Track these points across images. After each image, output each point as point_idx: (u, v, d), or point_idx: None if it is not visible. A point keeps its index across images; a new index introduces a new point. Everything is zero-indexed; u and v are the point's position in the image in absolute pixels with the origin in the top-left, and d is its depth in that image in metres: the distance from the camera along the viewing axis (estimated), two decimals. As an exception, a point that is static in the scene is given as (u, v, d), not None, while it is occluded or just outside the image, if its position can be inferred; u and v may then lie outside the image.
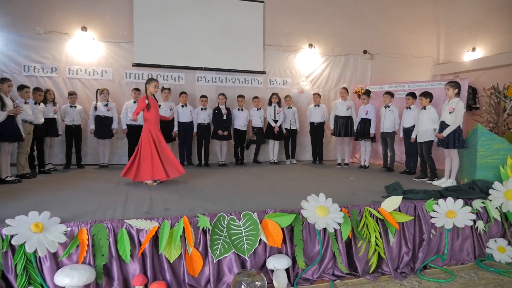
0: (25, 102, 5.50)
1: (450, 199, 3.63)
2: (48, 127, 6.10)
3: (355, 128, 7.02)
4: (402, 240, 3.64)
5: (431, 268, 3.63)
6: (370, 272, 3.44)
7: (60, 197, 4.05)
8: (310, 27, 8.44)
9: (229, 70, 7.98)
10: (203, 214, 3.18)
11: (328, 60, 8.65)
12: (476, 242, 3.88)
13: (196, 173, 6.12)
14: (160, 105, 5.09)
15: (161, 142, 4.91)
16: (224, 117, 7.14)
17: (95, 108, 6.59)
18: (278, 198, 4.08)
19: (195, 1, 7.73)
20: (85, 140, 6.97)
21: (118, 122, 6.81)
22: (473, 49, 8.62)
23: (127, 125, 6.74)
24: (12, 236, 2.65)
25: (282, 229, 3.26)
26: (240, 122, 7.33)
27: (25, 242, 2.63)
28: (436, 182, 5.08)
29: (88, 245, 2.85)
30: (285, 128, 7.57)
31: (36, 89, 5.92)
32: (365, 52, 8.78)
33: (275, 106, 7.43)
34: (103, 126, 6.62)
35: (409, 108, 6.08)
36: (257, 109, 7.41)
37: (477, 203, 3.89)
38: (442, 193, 4.05)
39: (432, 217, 3.63)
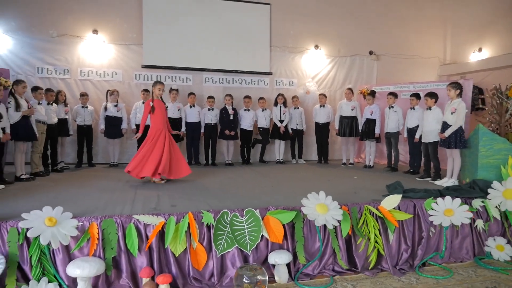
0: (39, 103, 5.70)
1: (448, 197, 3.71)
2: (60, 127, 6.30)
3: (360, 128, 7.09)
4: (402, 237, 3.73)
5: (430, 266, 3.72)
6: (370, 268, 3.53)
7: (72, 194, 4.23)
8: (316, 28, 8.54)
9: (236, 71, 8.12)
10: (208, 211, 3.32)
11: (334, 61, 8.73)
12: (476, 241, 3.95)
13: (203, 172, 6.27)
14: (167, 107, 5.23)
15: (167, 143, 5.02)
16: (231, 117, 7.28)
17: (105, 108, 6.78)
18: (281, 196, 4.21)
19: (203, 4, 7.89)
20: (96, 139, 7.17)
21: (127, 122, 6.99)
22: (480, 50, 8.62)
23: (136, 125, 6.92)
24: (27, 229, 2.82)
25: (284, 225, 3.38)
26: (246, 122, 7.46)
27: (39, 235, 2.79)
28: (438, 182, 5.14)
29: (98, 239, 3.01)
30: (291, 129, 7.68)
31: (48, 90, 6.12)
32: (371, 53, 8.84)
33: (280, 106, 7.55)
34: (113, 126, 6.81)
35: (413, 108, 6.14)
36: (263, 110, 7.53)
37: (477, 202, 3.97)
38: (443, 193, 4.12)
39: (430, 215, 3.71)
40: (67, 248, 2.97)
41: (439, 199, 3.75)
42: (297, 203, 3.53)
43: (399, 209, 3.73)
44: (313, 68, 8.61)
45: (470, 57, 8.82)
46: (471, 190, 4.18)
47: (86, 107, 6.80)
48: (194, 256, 3.20)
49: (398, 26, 9.03)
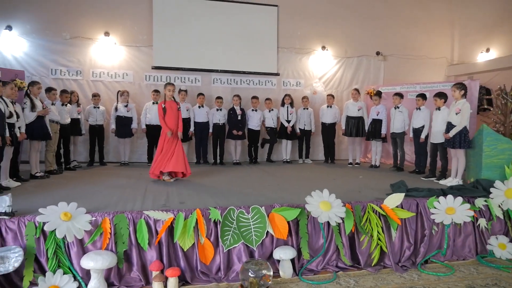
0: (52, 104, 5.89)
1: (450, 196, 3.78)
2: (72, 127, 6.49)
3: (366, 128, 7.16)
4: (404, 235, 3.81)
5: (433, 263, 3.78)
6: (373, 265, 3.62)
7: (85, 191, 4.40)
8: (323, 29, 8.62)
9: (244, 72, 8.24)
10: (215, 207, 3.45)
11: (341, 62, 8.80)
12: (478, 239, 4.00)
13: (211, 171, 6.40)
14: (179, 107, 5.35)
15: (173, 142, 5.17)
16: (239, 118, 7.40)
17: (116, 109, 6.96)
18: (286, 194, 4.32)
19: (211, 7, 8.03)
20: (107, 139, 7.36)
21: (137, 122, 7.16)
22: (487, 50, 8.61)
23: (146, 125, 7.09)
24: (44, 223, 2.98)
25: (288, 222, 3.49)
26: (254, 122, 7.58)
27: (55, 229, 2.95)
28: (442, 182, 5.19)
29: (110, 233, 3.16)
30: (299, 128, 7.77)
31: (63, 91, 6.33)
32: (378, 53, 8.89)
33: (287, 106, 7.65)
34: (123, 126, 6.98)
35: (419, 109, 6.19)
36: (270, 110, 7.64)
37: (480, 201, 4.03)
38: (446, 192, 4.16)
39: (432, 213, 3.78)
40: (81, 242, 3.12)
41: (441, 198, 3.82)
42: (302, 201, 3.63)
43: (402, 208, 3.81)
44: (320, 68, 8.69)
45: (478, 58, 8.81)
46: (475, 189, 4.24)
47: (98, 108, 6.98)
48: (201, 251, 3.33)
49: (405, 27, 9.06)
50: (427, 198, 3.94)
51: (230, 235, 3.39)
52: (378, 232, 3.66)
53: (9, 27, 6.95)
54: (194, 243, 3.31)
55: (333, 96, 7.81)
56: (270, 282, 3.16)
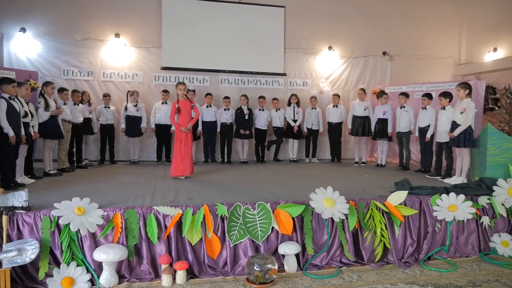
0: (64, 103, 6.05)
1: (452, 194, 3.84)
2: (84, 126, 6.65)
3: (372, 128, 7.21)
4: (407, 232, 3.88)
5: (436, 260, 3.84)
6: (376, 261, 3.69)
7: (96, 188, 4.55)
8: (330, 30, 8.69)
9: (251, 73, 8.35)
10: (222, 204, 3.56)
11: (347, 62, 8.86)
12: (481, 237, 4.06)
13: (219, 169, 6.52)
14: (193, 105, 5.46)
15: (183, 141, 5.30)
16: (246, 117, 7.51)
17: (126, 108, 7.11)
18: (291, 191, 4.41)
19: (219, 8, 8.15)
20: (118, 138, 7.52)
21: (147, 122, 7.30)
22: (495, 50, 8.60)
23: (155, 124, 7.23)
24: (59, 217, 3.12)
25: (293, 218, 3.59)
26: (261, 122, 7.68)
27: (69, 223, 3.09)
28: (447, 180, 5.24)
29: (121, 228, 3.29)
30: (306, 128, 7.85)
31: (74, 91, 6.49)
32: (384, 53, 8.92)
33: (294, 106, 7.73)
34: (133, 125, 7.13)
35: (425, 108, 6.23)
36: (276, 110, 7.74)
37: (483, 199, 4.08)
38: (449, 190, 4.22)
39: (435, 211, 3.85)
40: (93, 236, 3.26)
41: (443, 195, 3.88)
42: (307, 198, 3.71)
43: (406, 205, 3.88)
44: (327, 68, 8.76)
45: (485, 57, 8.80)
46: (478, 187, 4.28)
47: (109, 107, 7.14)
48: (209, 245, 3.44)
49: (412, 27, 9.08)
50: (430, 196, 4.00)
51: (237, 231, 3.50)
52: (381, 228, 3.74)
53: (23, 30, 7.16)
54: (201, 238, 3.42)
55: (338, 96, 7.88)
56: (275, 276, 3.26)
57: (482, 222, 4.03)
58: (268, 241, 3.56)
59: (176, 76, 7.94)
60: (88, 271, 3.17)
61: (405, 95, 6.72)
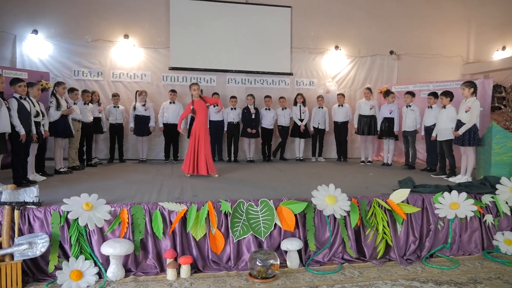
0: (74, 103, 6.19)
1: (454, 191, 3.86)
2: (94, 125, 6.79)
3: (378, 127, 7.23)
4: (410, 229, 3.91)
5: (438, 257, 3.86)
6: (378, 258, 3.73)
7: (105, 185, 4.67)
8: (337, 29, 8.71)
9: (258, 72, 8.42)
10: (225, 200, 3.64)
11: (354, 61, 8.87)
12: (485, 235, 4.06)
13: (225, 167, 6.59)
14: (208, 105, 5.55)
15: (201, 141, 5.37)
16: (253, 116, 7.58)
17: (134, 108, 7.25)
18: (295, 189, 4.48)
19: (226, 8, 8.25)
20: (126, 137, 7.66)
21: (155, 121, 7.43)
22: (503, 48, 8.53)
23: (163, 123, 7.35)
24: (68, 212, 3.24)
25: (295, 215, 3.65)
26: (267, 121, 7.75)
27: (78, 218, 3.20)
28: (452, 179, 5.24)
29: (128, 223, 3.39)
30: (313, 127, 7.90)
31: (84, 91, 6.64)
32: (391, 52, 8.92)
33: (300, 105, 7.78)
34: (141, 124, 7.26)
35: (431, 107, 6.23)
36: (283, 109, 7.79)
37: (487, 198, 4.08)
38: (453, 188, 4.22)
39: (436, 208, 3.87)
40: (101, 230, 3.37)
41: (445, 193, 3.90)
42: (310, 195, 3.76)
43: (408, 203, 3.91)
44: (333, 68, 8.78)
45: (494, 56, 8.74)
46: (482, 186, 4.28)
47: (118, 107, 7.29)
48: (213, 241, 3.52)
49: (419, 26, 9.04)
50: (433, 194, 4.02)
51: (240, 227, 3.57)
52: (383, 226, 3.77)
53: (35, 31, 7.35)
54: (205, 234, 3.50)
55: (343, 95, 7.91)
56: (277, 271, 3.33)
57: (486, 220, 4.03)
58: (271, 237, 3.63)
59: (184, 76, 8.06)
60: (96, 264, 3.27)
61: (411, 94, 6.72)
